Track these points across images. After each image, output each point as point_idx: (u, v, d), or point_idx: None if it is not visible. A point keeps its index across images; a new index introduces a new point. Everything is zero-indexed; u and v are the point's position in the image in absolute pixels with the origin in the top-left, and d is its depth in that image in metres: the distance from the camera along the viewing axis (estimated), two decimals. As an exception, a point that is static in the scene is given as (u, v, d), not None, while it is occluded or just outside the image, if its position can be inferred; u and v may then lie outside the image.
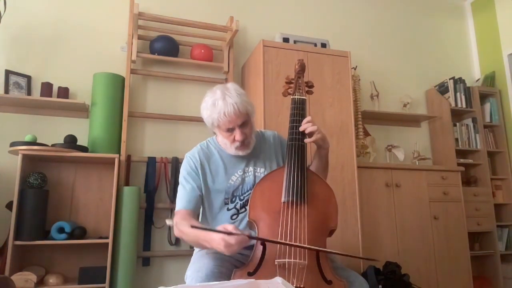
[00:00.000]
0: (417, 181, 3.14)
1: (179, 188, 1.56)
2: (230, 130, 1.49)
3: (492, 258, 3.44)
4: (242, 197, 1.55)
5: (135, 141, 2.88)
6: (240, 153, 1.54)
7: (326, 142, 1.53)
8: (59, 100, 2.62)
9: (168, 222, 1.19)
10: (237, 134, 1.48)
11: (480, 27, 4.16)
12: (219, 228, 1.23)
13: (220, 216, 1.54)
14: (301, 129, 1.48)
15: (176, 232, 1.43)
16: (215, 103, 1.45)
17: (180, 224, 1.41)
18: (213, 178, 1.55)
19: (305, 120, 1.49)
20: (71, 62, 2.85)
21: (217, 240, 1.21)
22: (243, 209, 1.54)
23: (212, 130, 1.59)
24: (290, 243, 1.29)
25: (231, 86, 1.52)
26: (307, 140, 1.48)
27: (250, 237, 1.24)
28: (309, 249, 1.29)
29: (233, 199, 1.54)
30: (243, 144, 1.51)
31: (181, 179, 1.57)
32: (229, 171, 1.56)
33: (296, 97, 1.58)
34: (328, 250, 1.34)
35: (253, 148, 1.60)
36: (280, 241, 1.29)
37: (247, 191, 1.55)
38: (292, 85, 1.63)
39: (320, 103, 2.79)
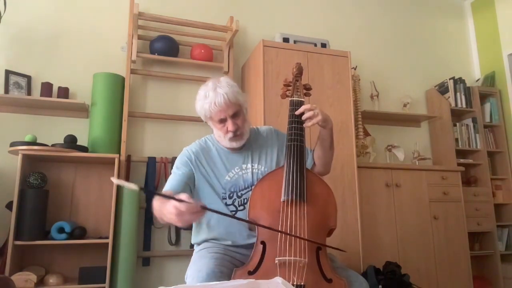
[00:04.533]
0: (417, 181, 3.14)
1: (170, 176, 1.57)
2: (223, 121, 1.52)
3: (492, 258, 3.44)
4: (239, 194, 1.55)
5: (135, 141, 2.88)
6: (234, 144, 1.55)
7: (328, 122, 1.52)
8: (59, 100, 2.63)
9: (114, 180, 1.13)
10: (229, 125, 1.50)
11: (480, 27, 4.16)
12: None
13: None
14: (297, 112, 1.50)
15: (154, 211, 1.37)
16: (206, 94, 1.50)
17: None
18: (209, 173, 1.56)
19: (304, 107, 1.50)
20: (71, 62, 2.85)
21: (169, 209, 1.17)
22: (242, 207, 1.54)
23: (209, 127, 1.60)
24: (278, 230, 1.29)
25: (223, 78, 1.55)
26: (306, 124, 1.48)
27: (203, 208, 1.20)
28: (300, 238, 1.30)
29: (231, 195, 1.55)
30: (236, 135, 1.53)
31: (173, 168, 1.58)
32: (226, 167, 1.58)
33: (294, 99, 1.59)
34: (322, 243, 1.35)
35: (249, 144, 1.61)
36: (262, 224, 1.30)
37: (245, 188, 1.56)
38: (290, 88, 1.64)
39: (320, 103, 2.76)
